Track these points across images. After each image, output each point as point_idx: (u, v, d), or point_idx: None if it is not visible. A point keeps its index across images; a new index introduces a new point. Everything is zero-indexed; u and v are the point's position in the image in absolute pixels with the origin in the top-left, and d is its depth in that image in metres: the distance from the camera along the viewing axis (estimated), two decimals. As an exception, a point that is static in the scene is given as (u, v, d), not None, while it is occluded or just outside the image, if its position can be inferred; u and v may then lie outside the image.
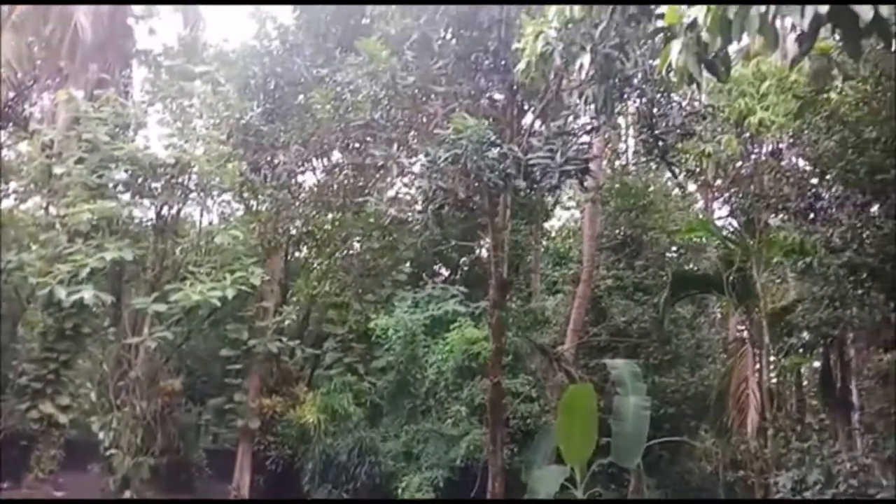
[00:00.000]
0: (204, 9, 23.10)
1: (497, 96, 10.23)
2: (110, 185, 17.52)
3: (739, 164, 14.02)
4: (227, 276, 16.26)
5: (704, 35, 4.91)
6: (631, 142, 20.87)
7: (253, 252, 17.76)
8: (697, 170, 17.51)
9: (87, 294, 15.86)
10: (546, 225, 23.98)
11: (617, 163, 21.16)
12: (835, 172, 9.38)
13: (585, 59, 6.32)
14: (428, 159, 8.46)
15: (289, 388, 20.47)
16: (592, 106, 7.03)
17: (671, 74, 5.74)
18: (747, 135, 12.78)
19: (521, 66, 6.76)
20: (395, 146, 9.52)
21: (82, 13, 18.04)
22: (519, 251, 16.87)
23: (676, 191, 22.72)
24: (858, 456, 11.59)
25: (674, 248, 21.05)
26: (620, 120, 16.15)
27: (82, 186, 16.81)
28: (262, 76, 11.06)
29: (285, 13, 12.46)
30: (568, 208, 22.42)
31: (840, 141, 9.13)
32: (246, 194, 14.13)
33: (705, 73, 5.36)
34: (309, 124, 10.93)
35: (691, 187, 23.71)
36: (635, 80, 8.21)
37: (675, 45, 5.10)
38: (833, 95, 9.66)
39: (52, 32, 18.35)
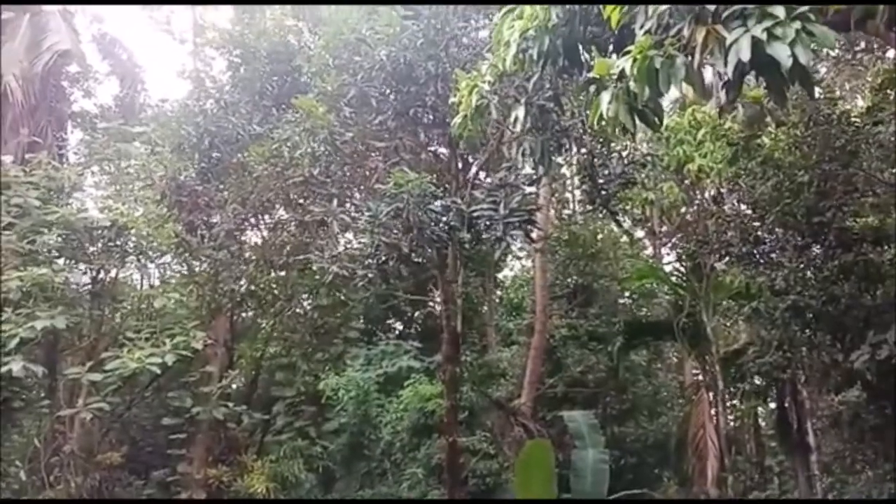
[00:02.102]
0: (142, 70, 22.86)
1: (439, 150, 10.14)
2: (43, 250, 16.74)
3: (683, 209, 14.21)
4: (166, 342, 15.49)
5: (633, 85, 4.89)
6: (577, 192, 21.08)
7: (195, 315, 17.08)
8: (643, 217, 17.73)
9: (16, 366, 14.87)
10: (499, 275, 23.88)
11: (564, 212, 21.28)
12: (773, 216, 9.48)
13: (520, 111, 6.24)
14: (369, 214, 8.23)
15: (236, 456, 19.53)
16: (531, 158, 6.90)
17: (605, 125, 5.69)
18: (687, 182, 12.99)
19: (458, 119, 6.64)
20: (335, 202, 9.28)
21: (12, 76, 17.52)
22: (472, 303, 16.63)
23: (624, 238, 22.98)
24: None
25: (626, 295, 21.12)
26: (565, 170, 16.28)
27: (11, 253, 15.98)
28: (196, 135, 10.75)
29: (221, 68, 12.28)
30: (519, 258, 22.38)
31: (776, 185, 9.27)
32: (184, 255, 13.58)
33: (640, 123, 5.34)
34: (247, 182, 10.61)
35: (639, 234, 24.07)
36: (573, 132, 8.20)
37: (605, 97, 5.04)
38: (766, 140, 9.84)
39: (-21, 97, 17.74)
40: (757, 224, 10.49)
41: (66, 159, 20.65)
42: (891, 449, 10.78)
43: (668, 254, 22.04)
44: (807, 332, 10.41)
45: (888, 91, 10.28)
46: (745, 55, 4.12)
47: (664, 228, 21.08)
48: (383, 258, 8.26)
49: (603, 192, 9.37)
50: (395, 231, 8.21)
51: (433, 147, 10.00)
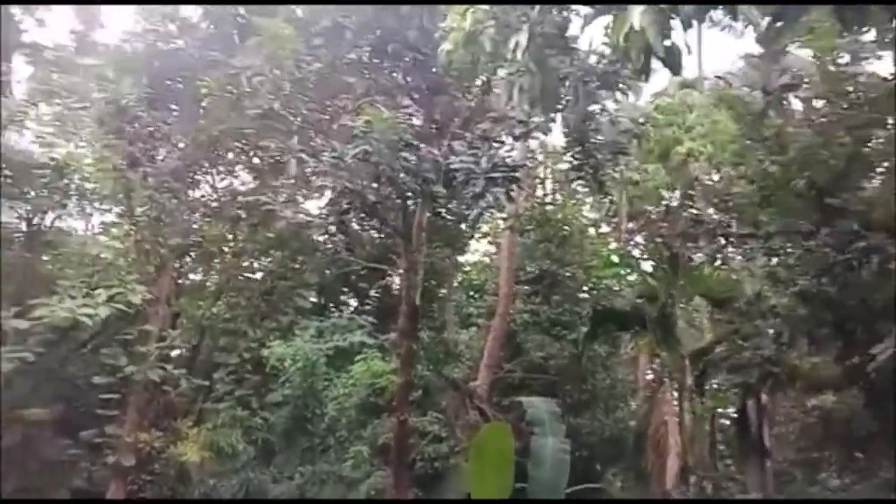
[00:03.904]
0: (104, 6, 21.23)
1: (416, 95, 9.24)
2: (-27, 184, 15.37)
3: (666, 194, 13.62)
4: (102, 293, 14.33)
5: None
6: (548, 171, 20.42)
7: (135, 268, 15.88)
8: (614, 206, 17.11)
9: (-70, 306, 13.59)
10: (461, 258, 23.17)
11: (538, 191, 20.57)
12: (778, 197, 8.85)
13: (522, 37, 5.42)
14: (333, 155, 7.32)
15: (171, 421, 18.45)
16: (524, 105, 6.07)
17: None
18: (672, 165, 12.36)
19: (447, 45, 5.77)
20: (296, 139, 8.32)
21: (-51, -11, 15.95)
22: (433, 277, 15.83)
23: (591, 230, 22.47)
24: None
25: (591, 284, 20.58)
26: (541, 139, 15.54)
27: (-65, 183, 14.60)
28: (145, 55, 9.63)
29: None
30: (485, 234, 21.61)
31: (786, 162, 8.63)
32: (121, 195, 12.40)
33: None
34: (197, 113, 9.54)
35: (604, 228, 23.59)
36: (571, 81, 7.38)
37: (636, 9, 4.21)
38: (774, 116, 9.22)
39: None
40: (757, 206, 9.89)
41: (9, 91, 19.08)
42: (884, 455, 10.33)
43: (634, 246, 21.63)
44: (805, 326, 9.82)
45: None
46: None
47: (631, 224, 20.59)
48: (345, 206, 7.35)
49: (593, 159, 8.61)
50: (362, 178, 7.32)
51: (411, 90, 9.09)
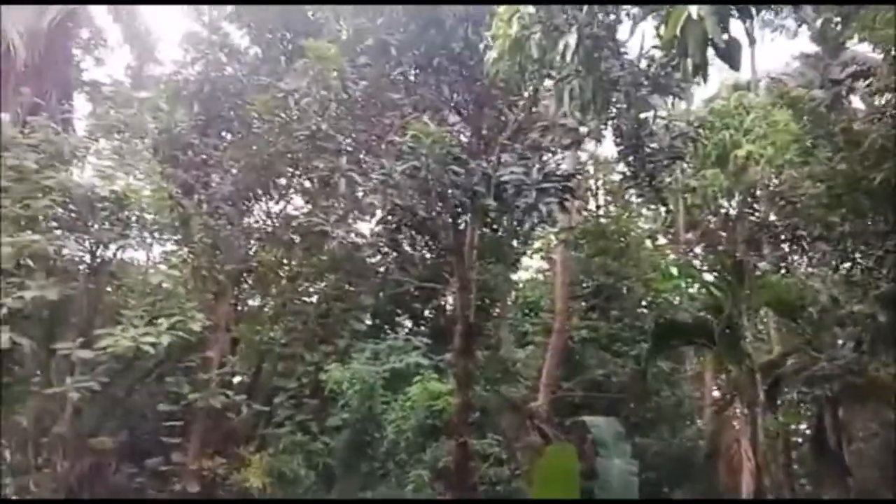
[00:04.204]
0: (158, 40, 21.93)
1: (462, 110, 9.10)
2: (38, 217, 15.88)
3: (724, 203, 13.11)
4: (163, 321, 14.57)
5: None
6: (600, 182, 19.99)
7: (194, 296, 16.14)
8: (672, 211, 16.58)
9: (3, 337, 14.03)
10: (514, 276, 22.87)
11: (591, 203, 20.16)
12: (850, 197, 8.34)
13: (571, 38, 5.21)
14: (382, 172, 7.22)
15: (234, 448, 18.59)
16: (575, 113, 5.85)
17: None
18: (731, 170, 11.89)
19: (493, 54, 5.61)
20: (344, 159, 8.28)
21: (16, 33, 16.70)
22: (487, 295, 15.57)
23: (648, 242, 21.89)
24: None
25: (648, 299, 20.00)
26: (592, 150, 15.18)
27: (6, 218, 15.11)
28: (195, 84, 9.79)
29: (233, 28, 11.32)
30: (538, 250, 21.26)
31: (859, 158, 8.13)
32: (177, 223, 12.60)
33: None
34: (248, 139, 9.63)
35: (661, 240, 22.96)
36: (622, 86, 7.12)
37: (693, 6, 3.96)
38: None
39: (-19, 54, 16.96)
40: (827, 207, 9.35)
41: (71, 127, 19.82)
42: None
43: (693, 258, 20.97)
44: (887, 333, 9.20)
45: None
46: None
47: (689, 234, 19.98)
48: (395, 223, 7.22)
49: (649, 166, 8.28)
50: (411, 194, 7.20)
51: (458, 104, 8.96)
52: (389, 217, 7.03)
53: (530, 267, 24.84)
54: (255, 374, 21.09)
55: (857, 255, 8.71)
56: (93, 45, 20.54)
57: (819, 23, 12.05)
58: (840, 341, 11.17)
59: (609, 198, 20.24)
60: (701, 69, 4.56)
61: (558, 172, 7.18)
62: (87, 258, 17.25)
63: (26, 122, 16.74)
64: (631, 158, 8.54)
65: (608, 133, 10.36)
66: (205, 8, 14.63)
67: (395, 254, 11.48)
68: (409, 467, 16.50)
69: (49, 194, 15.36)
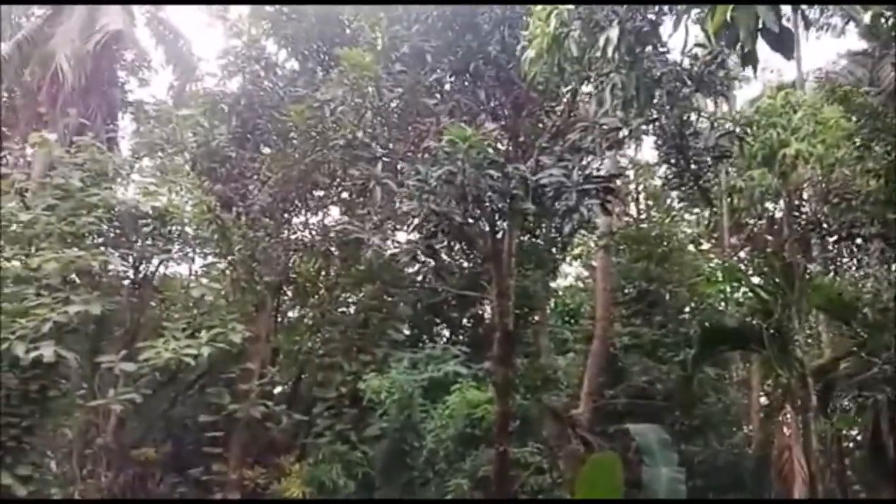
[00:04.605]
0: (199, 60, 22.31)
1: (499, 113, 8.99)
2: (85, 235, 16.24)
3: (771, 207, 12.74)
4: (203, 334, 14.72)
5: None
6: (640, 186, 19.67)
7: (235, 307, 16.29)
8: (717, 213, 16.22)
9: (48, 351, 14.28)
10: (553, 284, 22.63)
11: (631, 208, 19.87)
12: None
13: (612, 33, 5.05)
14: (418, 178, 7.15)
15: (274, 458, 18.68)
16: (617, 112, 5.69)
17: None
18: (779, 170, 11.55)
19: (530, 53, 5.49)
20: (380, 166, 8.24)
21: (64, 56, 17.14)
22: (526, 300, 15.38)
23: (691, 247, 21.47)
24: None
25: (692, 304, 19.60)
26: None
27: (52, 235, 15.48)
28: (233, 97, 9.87)
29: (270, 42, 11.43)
30: (577, 257, 21.00)
31: None
32: (217, 236, 12.72)
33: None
34: (285, 151, 9.66)
35: (704, 245, 22.51)
36: (666, 83, 6.93)
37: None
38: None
39: (31, 75, 17.44)
40: (884, 203, 9.00)
41: (116, 146, 20.28)
42: None
43: (738, 262, 20.51)
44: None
45: None
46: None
47: (734, 239, 19.52)
48: (432, 229, 7.14)
49: (693, 167, 8.05)
50: (448, 200, 7.10)
51: (494, 109, 8.85)
52: (426, 224, 6.95)
53: (569, 274, 24.59)
54: (295, 384, 21.21)
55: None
56: (137, 66, 21.02)
57: (868, 18, 11.68)
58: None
59: (650, 202, 19.91)
60: (751, 59, 4.38)
61: (600, 173, 7.02)
62: (131, 273, 17.61)
63: (73, 141, 17.20)
64: (674, 160, 8.31)
65: (648, 138, 10.17)
66: (244, 25, 14.90)
67: (432, 262, 11.38)
68: (449, 476, 16.34)
69: (94, 211, 15.74)
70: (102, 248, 16.70)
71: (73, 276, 15.72)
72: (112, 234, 16.76)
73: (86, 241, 16.33)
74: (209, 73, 12.68)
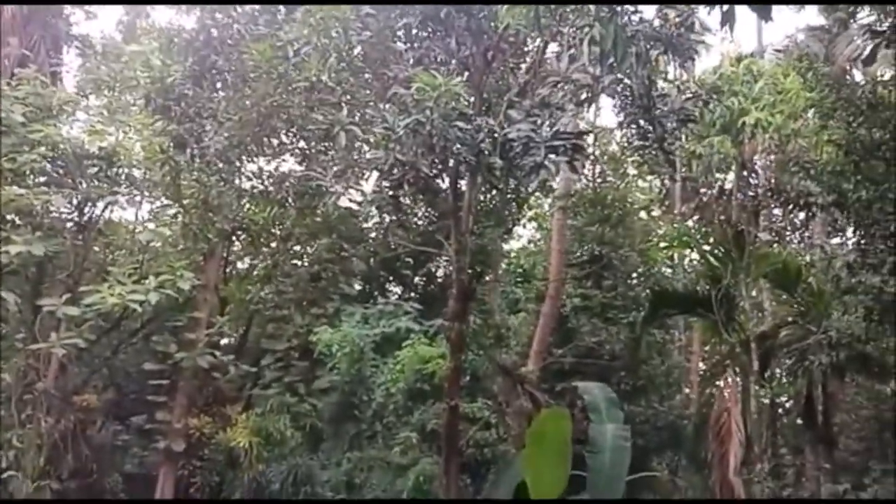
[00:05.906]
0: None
1: (469, 62, 8.82)
2: (27, 173, 15.49)
3: (726, 176, 12.99)
4: (151, 279, 14.32)
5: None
6: (597, 151, 19.80)
7: (185, 255, 15.88)
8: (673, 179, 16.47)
9: (-13, 292, 13.75)
10: (506, 246, 22.76)
11: (588, 169, 20.01)
12: (868, 165, 8.21)
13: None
14: (384, 126, 6.99)
15: (220, 408, 18.56)
16: (593, 67, 5.60)
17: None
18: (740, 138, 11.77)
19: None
20: (345, 111, 8.03)
21: (2, -19, 16.11)
22: (482, 258, 15.44)
23: (643, 213, 21.84)
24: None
25: (641, 269, 20.02)
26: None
27: (-10, 172, 14.73)
28: (190, 32, 9.46)
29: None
30: (532, 219, 21.14)
31: (882, 123, 7.98)
32: (168, 179, 12.30)
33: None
34: (243, 92, 9.33)
35: (655, 212, 22.93)
36: (638, 41, 6.87)
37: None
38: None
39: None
40: (840, 174, 9.22)
41: (60, 82, 19.29)
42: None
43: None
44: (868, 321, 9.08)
45: None
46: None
47: (684, 208, 19.91)
48: (397, 180, 7.02)
49: (659, 129, 8.09)
50: (414, 149, 6.97)
51: (465, 58, 8.68)
52: (391, 174, 6.82)
53: (521, 236, 24.77)
54: (244, 335, 20.99)
55: (873, 225, 8.60)
56: (81, -5, 19.89)
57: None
58: (842, 313, 11.12)
59: (606, 166, 20.09)
60: (729, 17, 4.37)
61: (570, 130, 6.99)
62: (75, 215, 16.96)
63: (13, 73, 16.28)
64: (640, 122, 8.35)
65: (609, 101, 10.14)
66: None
67: (390, 218, 11.29)
68: (397, 429, 16.52)
69: (36, 148, 15.00)
70: (45, 188, 16.03)
71: (13, 215, 15.09)
72: (56, 174, 16.08)
73: (27, 179, 15.62)
74: (164, 5, 12.08)
